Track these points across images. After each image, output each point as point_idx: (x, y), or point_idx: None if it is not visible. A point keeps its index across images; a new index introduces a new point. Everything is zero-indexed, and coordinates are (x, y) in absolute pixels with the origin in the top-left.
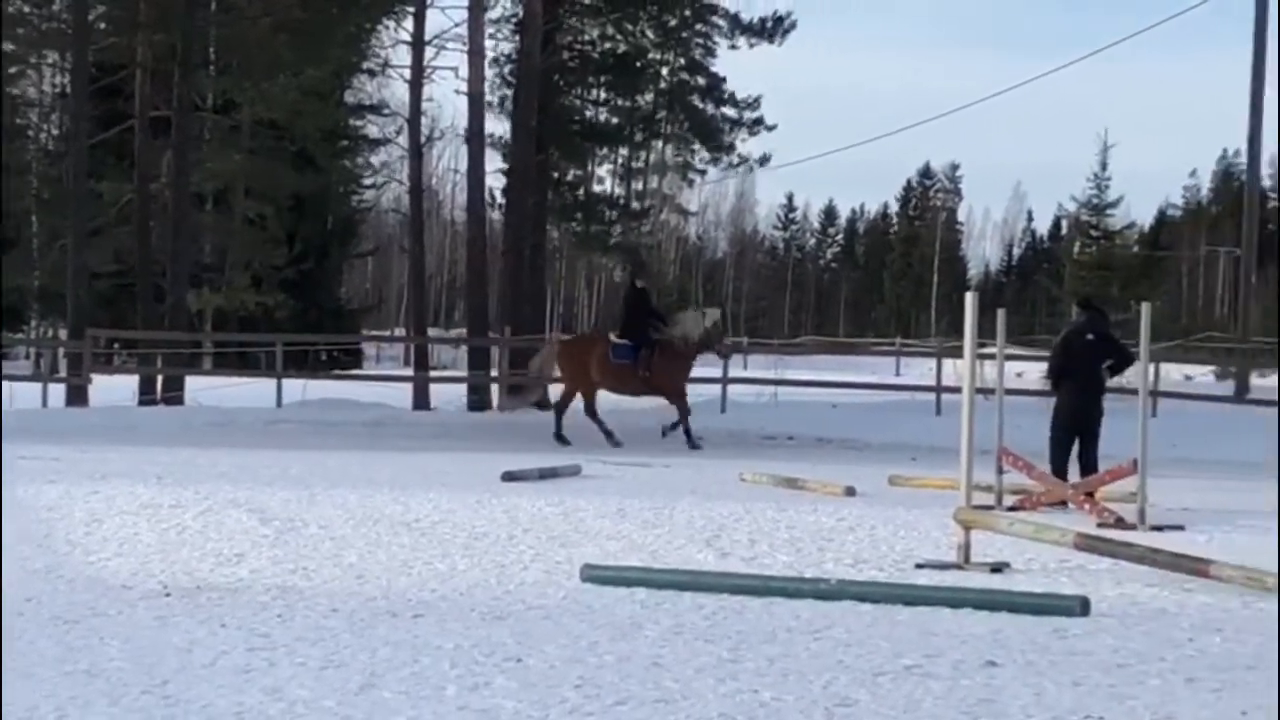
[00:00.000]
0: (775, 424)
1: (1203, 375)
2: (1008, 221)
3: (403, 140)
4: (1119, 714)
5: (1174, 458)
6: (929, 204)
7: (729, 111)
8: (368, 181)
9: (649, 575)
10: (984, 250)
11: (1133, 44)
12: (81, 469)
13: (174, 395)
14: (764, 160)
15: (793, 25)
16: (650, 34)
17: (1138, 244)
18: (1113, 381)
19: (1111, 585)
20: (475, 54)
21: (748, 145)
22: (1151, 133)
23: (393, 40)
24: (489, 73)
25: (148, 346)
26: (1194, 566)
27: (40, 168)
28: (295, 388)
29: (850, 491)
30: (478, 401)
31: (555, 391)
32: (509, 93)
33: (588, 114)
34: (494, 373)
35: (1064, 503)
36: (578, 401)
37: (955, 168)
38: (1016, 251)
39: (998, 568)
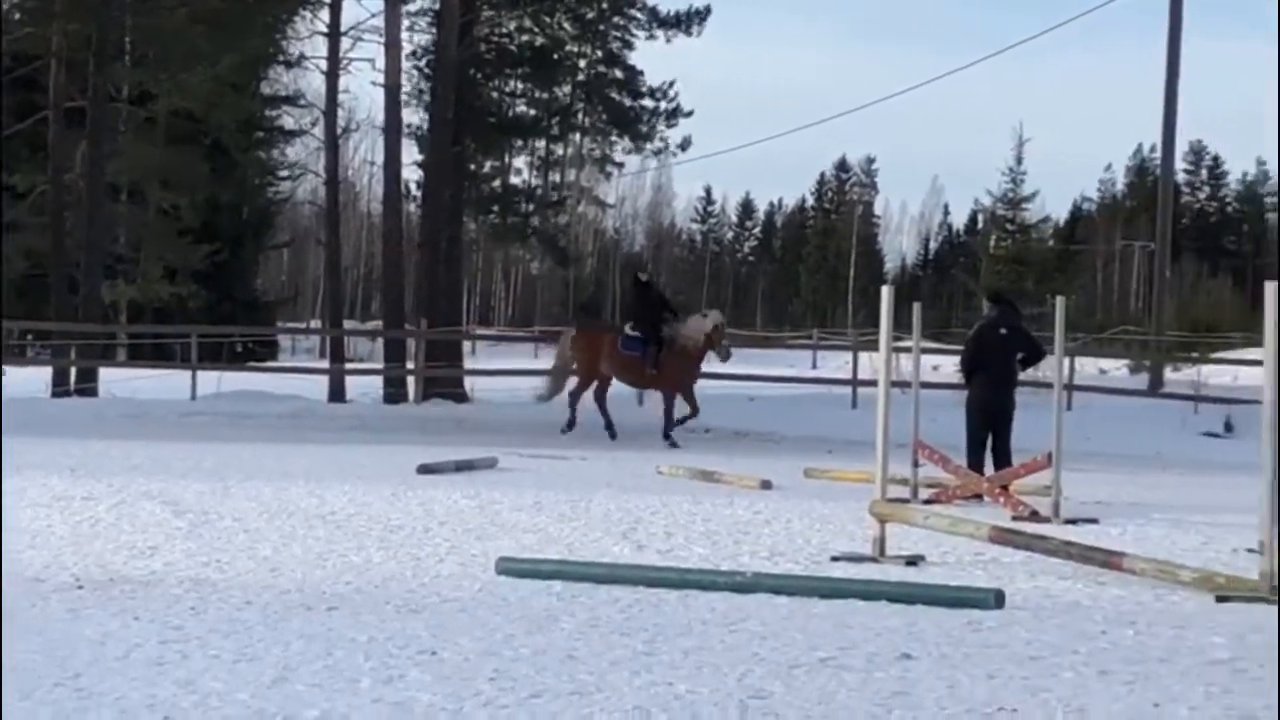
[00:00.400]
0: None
1: (1117, 369)
2: (924, 215)
3: (319, 132)
4: (1032, 706)
5: (1088, 451)
6: (845, 198)
7: (646, 103)
8: (283, 173)
9: (565, 568)
10: (900, 244)
11: (1049, 39)
12: None
13: (87, 387)
14: (684, 145)
15: (708, 10)
16: (568, 26)
17: (1053, 238)
18: (1027, 374)
19: (1026, 578)
20: (392, 46)
21: (666, 136)
22: (1067, 127)
23: (309, 31)
24: (406, 65)
25: (61, 338)
26: (1107, 559)
27: None
28: (210, 380)
29: (766, 484)
30: (394, 394)
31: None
32: (426, 85)
33: (505, 106)
34: (410, 365)
35: (979, 496)
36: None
37: (871, 161)
38: (933, 245)
39: (913, 561)
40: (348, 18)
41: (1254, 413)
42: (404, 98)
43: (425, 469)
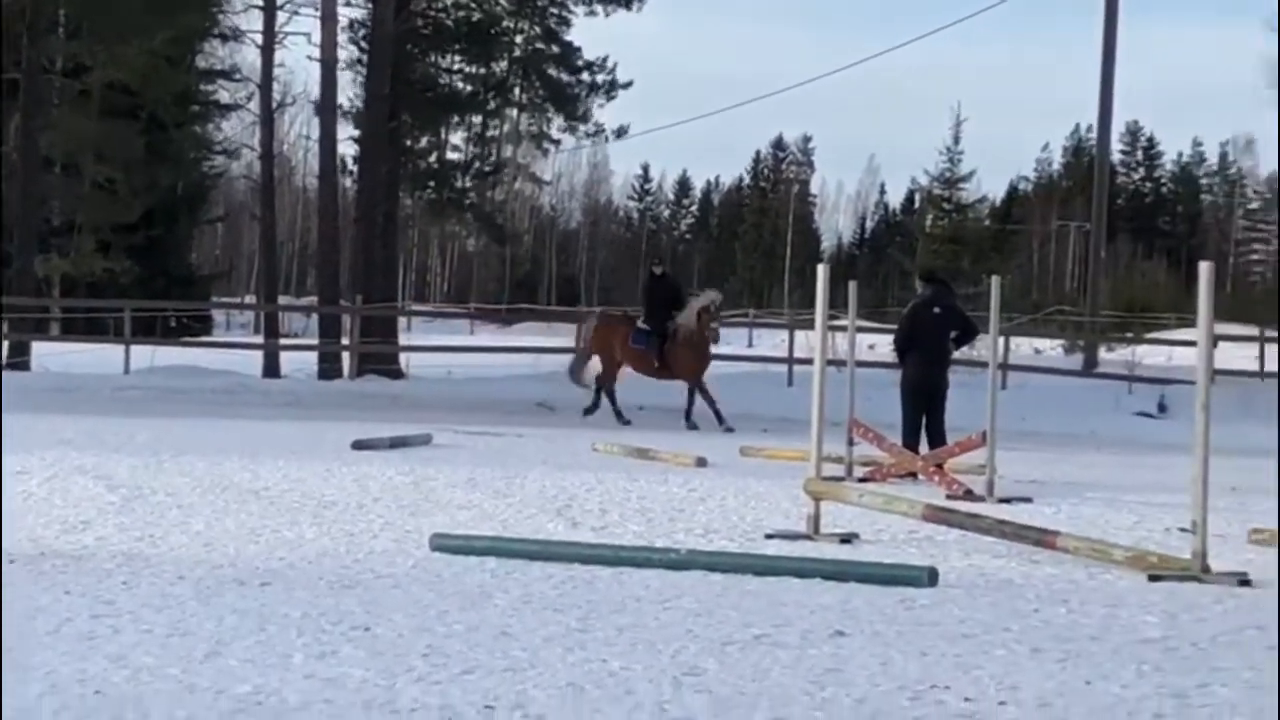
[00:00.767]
0: (628, 395)
1: (1052, 349)
2: (861, 195)
3: (254, 106)
4: (965, 684)
5: (1023, 430)
6: (782, 176)
7: (584, 77)
8: (219, 148)
9: (499, 545)
10: (837, 223)
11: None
12: None
13: (20, 361)
14: (620, 132)
15: None
16: (504, 1)
17: (989, 218)
18: (962, 353)
19: (959, 556)
20: (328, 20)
21: (603, 113)
22: (1004, 107)
23: (244, 5)
24: (342, 39)
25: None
26: (1041, 538)
27: None
28: (144, 354)
29: (701, 462)
30: (328, 370)
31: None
32: (362, 59)
33: (441, 81)
34: (345, 341)
35: (914, 474)
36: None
37: (808, 140)
38: (869, 225)
39: (847, 538)
40: None
41: (1187, 393)
42: (340, 72)
43: (360, 445)
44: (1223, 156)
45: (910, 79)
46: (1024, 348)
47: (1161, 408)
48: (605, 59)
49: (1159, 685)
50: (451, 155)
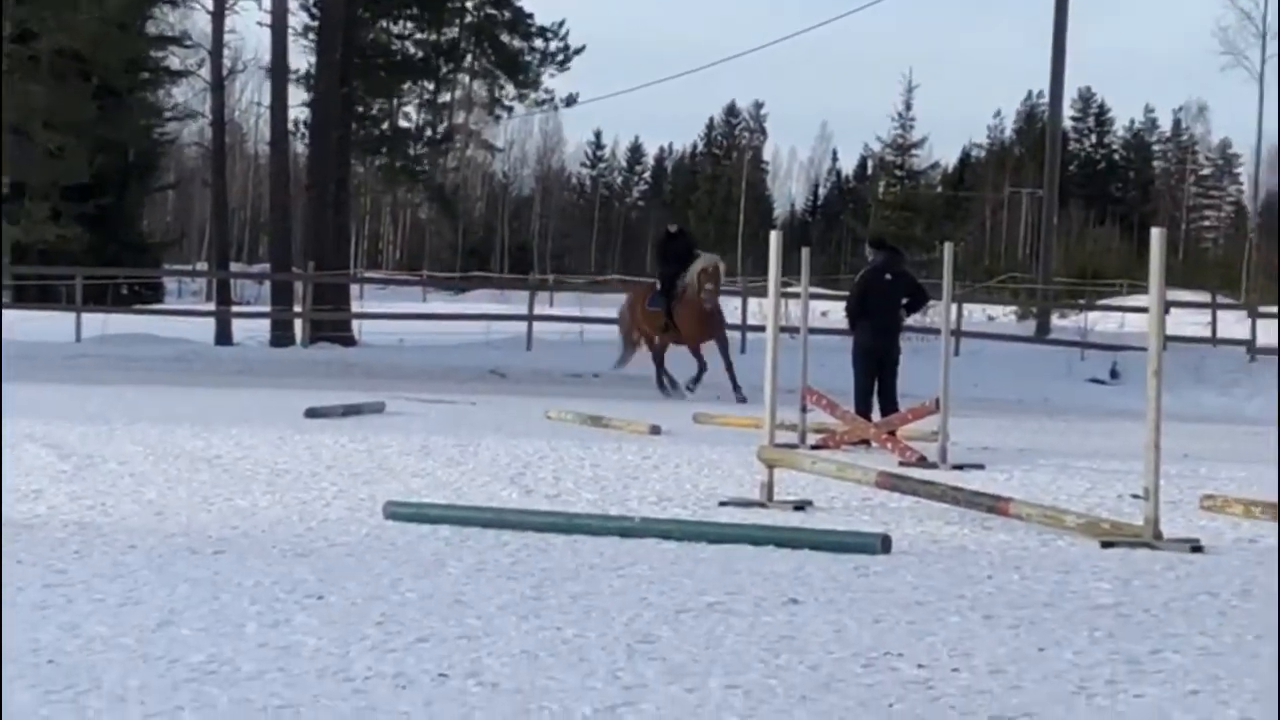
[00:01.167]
0: (581, 362)
1: (1004, 315)
2: (814, 161)
3: (205, 73)
4: (918, 650)
5: (976, 397)
6: (735, 143)
7: (537, 43)
8: (170, 114)
9: (452, 512)
10: (790, 190)
11: None
12: None
13: None
14: (570, 101)
15: None
16: None
17: (942, 185)
18: (914, 320)
19: (913, 523)
20: None
21: (555, 81)
22: (957, 74)
23: None
24: (292, 4)
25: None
26: (994, 505)
27: None
28: (95, 322)
29: (655, 430)
30: (281, 337)
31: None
32: (313, 25)
33: (393, 47)
34: (297, 308)
35: (867, 441)
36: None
37: (760, 106)
38: (822, 191)
39: (800, 506)
40: None
41: (1139, 359)
42: (291, 38)
43: (312, 413)
44: (1176, 123)
45: (863, 45)
46: (977, 314)
47: (1114, 374)
48: (560, 25)
49: (1112, 652)
50: (404, 122)
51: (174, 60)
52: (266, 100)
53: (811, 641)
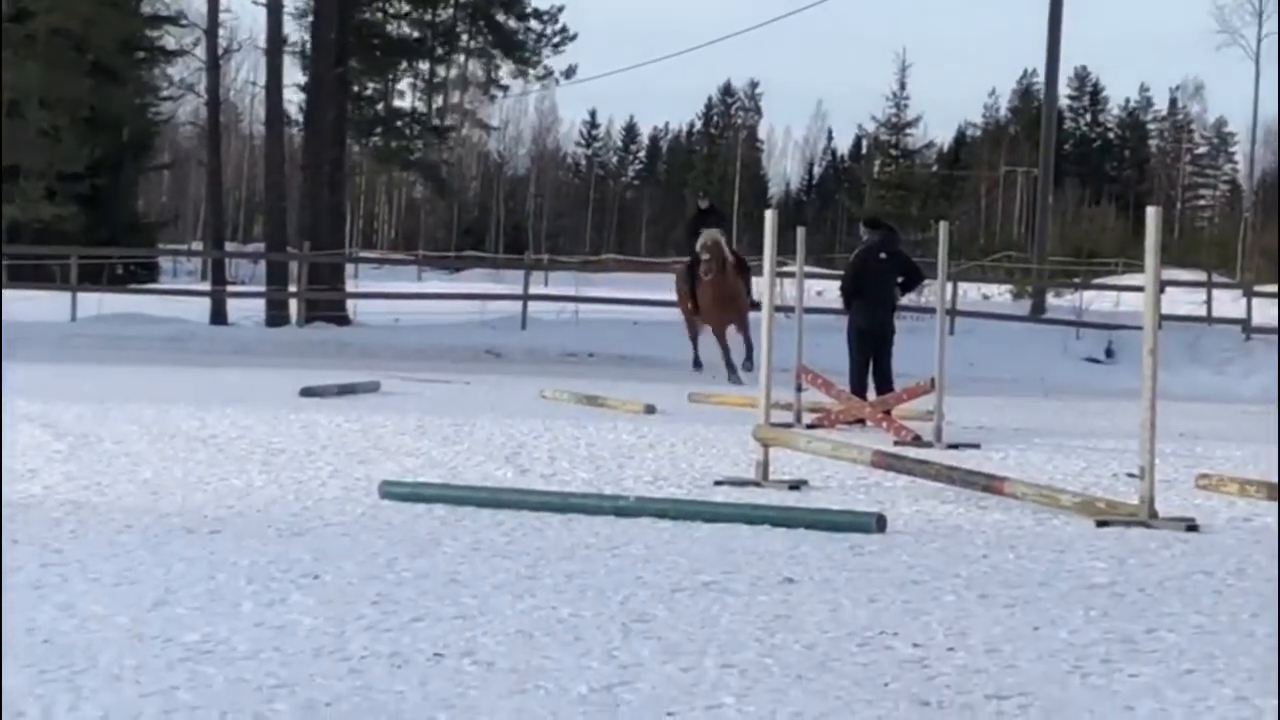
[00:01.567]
0: (576, 341)
1: (1000, 295)
2: (809, 140)
3: (200, 52)
4: (913, 629)
5: (971, 376)
6: (730, 122)
7: (533, 25)
8: (165, 94)
9: (448, 492)
10: (785, 169)
11: None
12: None
13: None
14: (569, 73)
15: None
16: None
17: (937, 164)
18: (909, 299)
19: (908, 503)
20: None
21: (551, 60)
22: (951, 52)
23: None
24: None
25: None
26: (989, 484)
27: None
28: (90, 302)
29: (650, 409)
30: (276, 317)
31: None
32: (309, 4)
33: (388, 27)
34: (293, 288)
35: (862, 420)
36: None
37: (755, 85)
38: (817, 170)
39: (796, 485)
40: None
41: (1135, 338)
42: (286, 17)
43: (307, 392)
44: (1172, 102)
45: (857, 24)
46: (972, 293)
47: (1109, 353)
48: (557, 9)
49: (1107, 631)
50: (398, 103)
51: (169, 39)
52: (262, 80)
53: (807, 621)
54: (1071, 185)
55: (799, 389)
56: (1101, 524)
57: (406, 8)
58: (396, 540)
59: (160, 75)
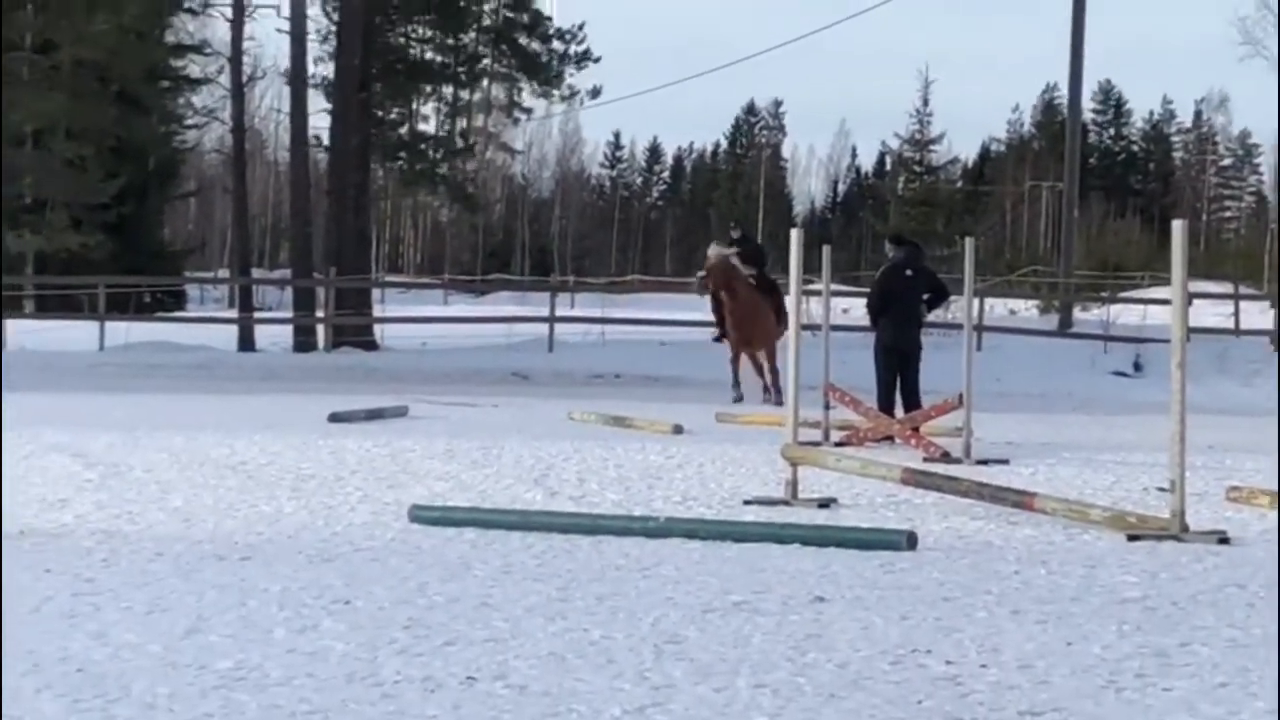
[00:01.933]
0: (603, 363)
1: (1026, 309)
2: (833, 158)
3: (225, 80)
4: (946, 647)
5: (998, 392)
6: (754, 141)
7: (556, 46)
8: (190, 122)
9: (477, 515)
10: (809, 187)
11: None
12: None
13: None
14: (595, 93)
15: None
16: None
17: (961, 179)
18: (936, 315)
19: (938, 519)
20: None
21: (574, 80)
22: (975, 68)
23: None
24: (312, 10)
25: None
26: (1019, 500)
27: None
28: (118, 330)
29: (678, 429)
30: (303, 343)
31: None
32: (332, 30)
33: (411, 52)
34: (319, 314)
35: (890, 438)
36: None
37: (778, 104)
38: (841, 188)
39: (825, 503)
40: None
41: (1162, 351)
42: (310, 44)
43: (336, 418)
44: (1197, 114)
45: (880, 41)
46: (998, 309)
47: (1137, 366)
48: (579, 27)
49: (1140, 645)
50: (422, 126)
51: (194, 68)
52: (286, 106)
53: (839, 639)
54: (1096, 199)
55: (827, 407)
56: (1133, 538)
57: (430, 32)
58: (427, 564)
59: (185, 104)
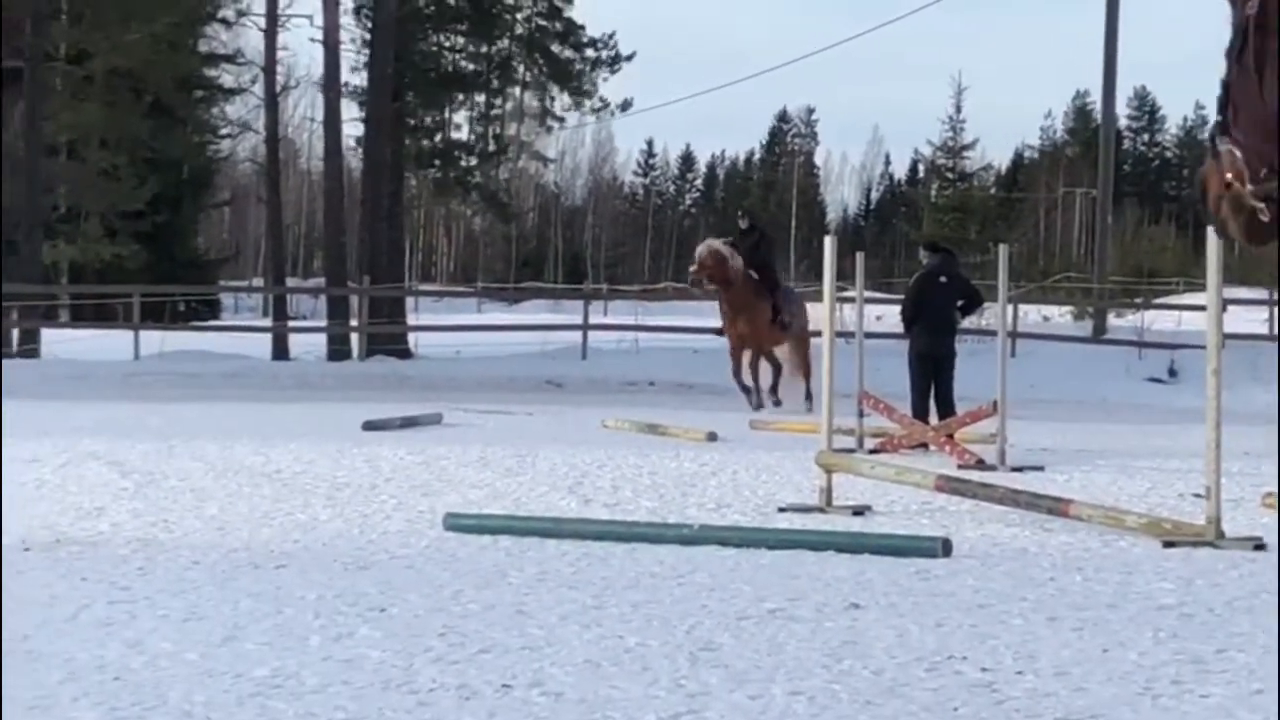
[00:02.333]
0: (636, 370)
1: (1060, 316)
2: (866, 166)
3: (258, 89)
4: (981, 654)
5: (1033, 398)
6: (786, 149)
7: (588, 53)
8: (223, 131)
9: (512, 523)
10: (842, 194)
11: None
12: None
13: (30, 348)
14: (625, 106)
15: None
16: None
17: (994, 186)
18: (970, 322)
19: (973, 526)
20: (330, 1)
21: (607, 87)
22: (1008, 75)
23: None
24: (345, 19)
25: (2, 300)
26: (1054, 506)
27: None
28: (153, 340)
29: (712, 437)
30: (337, 351)
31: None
32: (365, 40)
33: (444, 60)
34: (354, 322)
35: (925, 445)
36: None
37: (811, 112)
38: (875, 195)
39: (860, 510)
40: None
41: (1197, 358)
42: (343, 53)
43: (370, 426)
44: None
45: (913, 48)
46: (1032, 315)
47: (1172, 373)
48: (610, 36)
49: (1176, 652)
50: (455, 135)
51: (227, 77)
52: (319, 116)
53: (874, 646)
54: (1130, 205)
55: (861, 414)
56: (1168, 545)
57: (462, 40)
58: (462, 572)
59: (218, 113)
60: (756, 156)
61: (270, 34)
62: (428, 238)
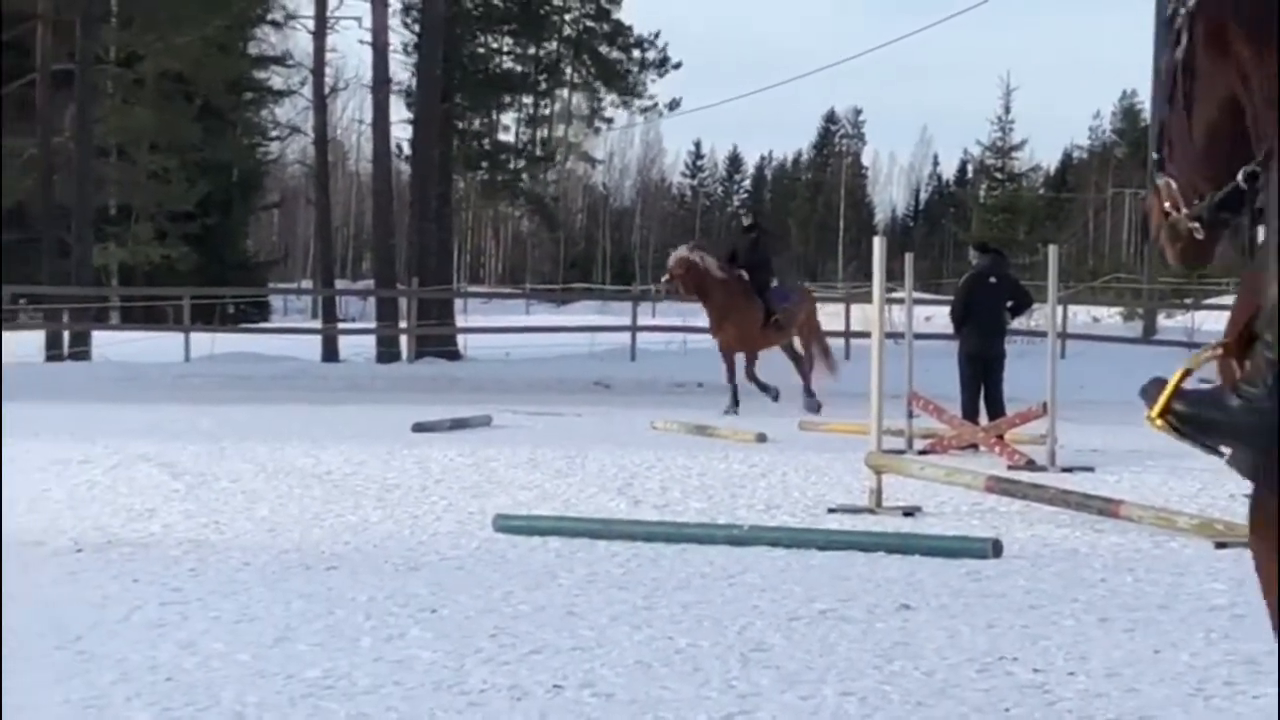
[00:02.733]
0: (685, 371)
1: (1110, 317)
2: (914, 166)
3: (307, 91)
4: (1032, 654)
5: (1083, 399)
6: (834, 149)
7: (636, 54)
8: (273, 133)
9: (562, 524)
10: (891, 195)
11: None
12: None
13: (81, 351)
14: (674, 105)
15: None
16: None
17: (1043, 186)
18: (1020, 323)
19: (1023, 527)
20: (379, 3)
21: (655, 88)
22: (1057, 75)
23: None
24: (393, 21)
25: (54, 302)
26: (1104, 507)
27: None
28: (203, 342)
29: (761, 438)
30: (386, 353)
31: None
32: (414, 42)
33: (493, 62)
34: (402, 324)
35: (975, 445)
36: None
37: (859, 112)
38: (923, 196)
39: (910, 511)
40: None
41: None
42: (392, 55)
43: (420, 427)
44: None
45: (961, 48)
46: (1082, 316)
47: None
48: (656, 35)
49: (1228, 653)
50: (503, 137)
51: (276, 80)
52: (368, 118)
53: (925, 647)
54: None
55: (910, 415)
56: (1220, 545)
57: (510, 42)
58: (512, 573)
59: (268, 116)
60: (804, 157)
61: (319, 36)
62: (476, 239)
